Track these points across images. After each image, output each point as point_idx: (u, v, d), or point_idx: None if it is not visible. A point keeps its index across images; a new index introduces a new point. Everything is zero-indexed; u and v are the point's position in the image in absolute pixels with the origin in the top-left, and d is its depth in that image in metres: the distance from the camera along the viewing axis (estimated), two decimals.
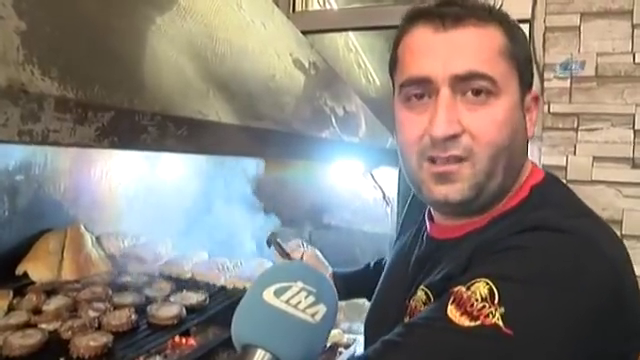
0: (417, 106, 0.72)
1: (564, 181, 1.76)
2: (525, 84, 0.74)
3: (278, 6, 1.81)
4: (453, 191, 0.70)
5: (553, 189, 0.75)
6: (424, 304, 0.72)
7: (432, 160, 0.70)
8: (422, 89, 0.71)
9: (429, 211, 0.83)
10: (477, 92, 0.68)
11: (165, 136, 0.78)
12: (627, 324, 0.63)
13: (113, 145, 0.70)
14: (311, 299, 0.51)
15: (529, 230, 0.64)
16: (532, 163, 0.79)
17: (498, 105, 0.69)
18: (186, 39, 0.98)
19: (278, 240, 1.22)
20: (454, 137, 0.68)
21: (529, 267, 0.60)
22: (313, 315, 0.50)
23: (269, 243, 1.22)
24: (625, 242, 1.63)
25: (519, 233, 0.64)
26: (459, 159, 0.69)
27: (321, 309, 0.51)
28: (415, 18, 0.73)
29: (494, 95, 0.69)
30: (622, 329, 0.62)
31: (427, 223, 0.83)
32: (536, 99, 0.77)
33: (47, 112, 0.61)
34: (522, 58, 0.72)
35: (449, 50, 0.68)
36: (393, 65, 0.77)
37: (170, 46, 0.92)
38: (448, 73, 0.68)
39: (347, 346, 1.51)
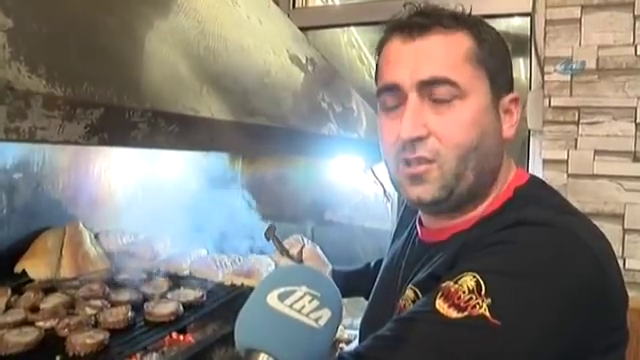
0: (392, 112, 0.76)
1: (565, 175, 1.79)
2: (499, 86, 0.76)
3: (278, 2, 1.80)
4: (424, 192, 0.74)
5: (537, 190, 0.77)
6: (413, 302, 0.74)
7: (407, 162, 0.74)
8: (394, 95, 0.75)
9: (419, 216, 0.86)
10: (442, 96, 0.72)
11: (156, 133, 0.78)
12: (611, 315, 0.65)
13: (102, 142, 0.70)
14: (315, 303, 0.51)
15: (513, 226, 0.66)
16: (518, 167, 0.81)
17: (464, 107, 0.72)
18: (179, 35, 0.98)
19: (276, 234, 1.21)
20: (420, 139, 0.72)
21: (514, 260, 0.63)
22: (317, 320, 0.50)
23: (267, 236, 1.21)
24: (627, 236, 1.65)
25: (503, 229, 0.67)
26: (427, 161, 0.72)
27: (325, 313, 0.51)
28: (390, 30, 0.77)
29: (459, 98, 0.72)
30: (606, 320, 0.64)
31: (418, 227, 0.86)
32: (516, 101, 0.79)
33: (34, 109, 0.61)
34: (494, 61, 0.75)
35: (416, 58, 0.73)
36: (376, 75, 0.81)
37: (162, 42, 0.92)
38: (415, 79, 0.72)
39: (348, 342, 1.51)
